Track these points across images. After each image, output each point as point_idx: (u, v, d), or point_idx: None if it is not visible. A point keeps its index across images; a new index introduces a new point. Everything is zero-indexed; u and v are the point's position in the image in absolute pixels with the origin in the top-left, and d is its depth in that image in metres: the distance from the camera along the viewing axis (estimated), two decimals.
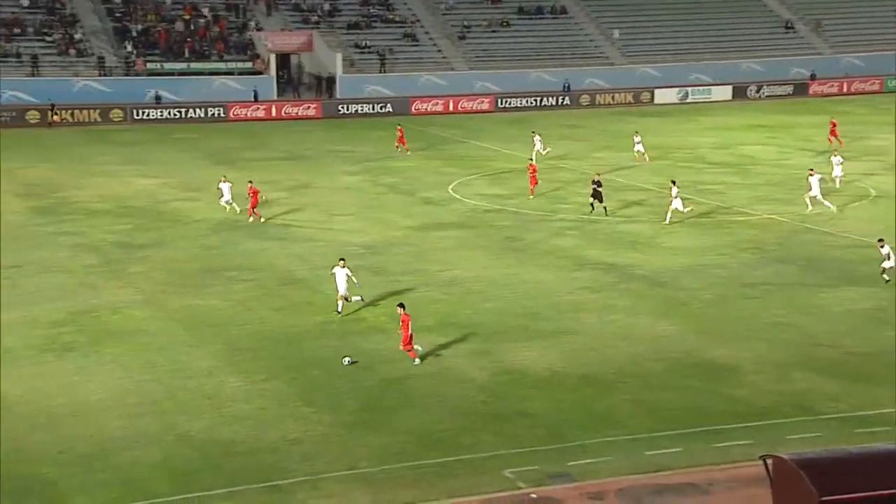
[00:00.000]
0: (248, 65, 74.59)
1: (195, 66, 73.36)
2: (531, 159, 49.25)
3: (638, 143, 52.91)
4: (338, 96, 74.84)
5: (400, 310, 25.04)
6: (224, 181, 41.43)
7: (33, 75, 69.68)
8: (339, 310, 28.49)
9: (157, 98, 70.03)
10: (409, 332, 24.65)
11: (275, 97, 73.52)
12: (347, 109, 73.06)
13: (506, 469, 19.56)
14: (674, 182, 40.27)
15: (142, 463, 19.78)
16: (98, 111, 67.42)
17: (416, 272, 33.29)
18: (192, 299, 30.26)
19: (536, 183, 44.42)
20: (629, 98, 78.17)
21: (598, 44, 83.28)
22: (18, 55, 70.19)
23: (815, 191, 40.58)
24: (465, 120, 70.68)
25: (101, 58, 71.43)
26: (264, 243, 37.11)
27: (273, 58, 75.21)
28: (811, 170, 42.47)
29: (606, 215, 40.04)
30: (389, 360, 25.31)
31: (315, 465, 19.82)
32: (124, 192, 45.84)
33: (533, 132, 54.83)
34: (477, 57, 79.94)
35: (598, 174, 41.73)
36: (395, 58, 77.94)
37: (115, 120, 67.69)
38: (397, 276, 32.77)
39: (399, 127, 57.01)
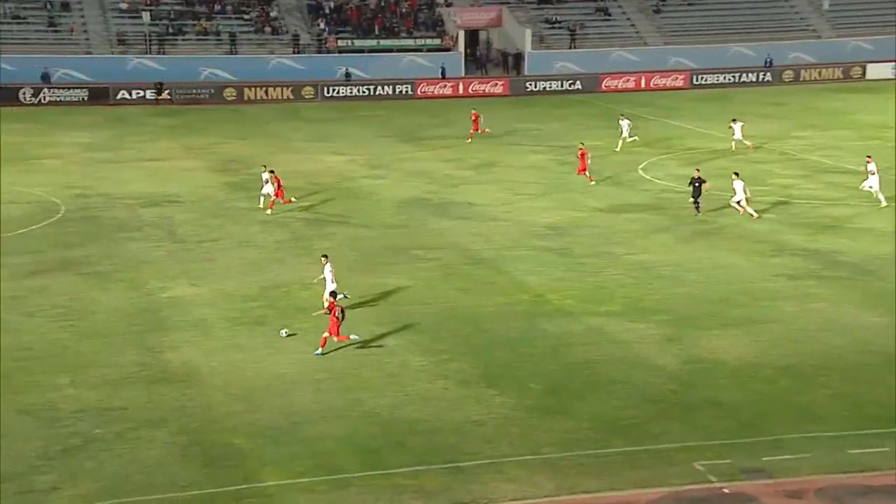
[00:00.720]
0: (437, 41, 75.40)
1: (384, 42, 74.76)
2: (619, 142, 47.88)
3: (737, 129, 48.78)
4: (525, 73, 74.67)
5: (331, 298, 25.14)
6: (266, 170, 39.20)
7: (231, 53, 72.72)
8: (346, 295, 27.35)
9: (347, 75, 71.79)
10: (337, 320, 24.08)
11: (462, 74, 74.07)
12: (535, 87, 72.82)
13: (696, 461, 19.08)
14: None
15: (328, 437, 20.36)
16: (290, 88, 69.71)
17: (603, 255, 32.88)
18: (378, 277, 30.88)
19: (585, 169, 42.79)
20: (838, 73, 74.65)
21: (805, 15, 79.76)
22: (218, 33, 73.39)
23: None
24: (657, 97, 69.23)
25: (295, 35, 73.80)
26: (449, 222, 37.48)
27: (461, 34, 75.73)
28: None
29: (697, 213, 36.87)
30: (575, 343, 25.11)
31: (498, 448, 19.89)
32: (314, 169, 47.24)
33: (621, 115, 52.73)
34: (672, 31, 78.04)
35: (699, 170, 38.38)
36: (585, 33, 77.04)
37: (307, 97, 69.84)
38: (583, 259, 32.46)
39: (474, 112, 54.06)
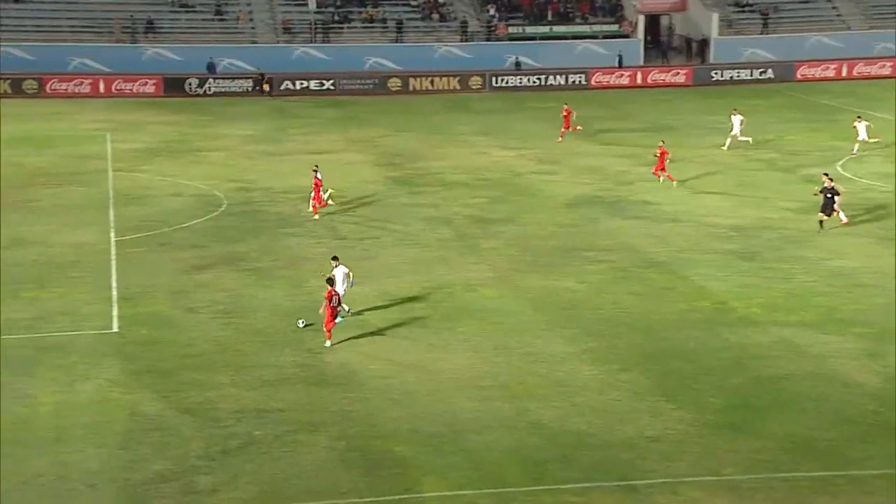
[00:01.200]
0: (614, 27, 74.74)
1: (558, 29, 74.59)
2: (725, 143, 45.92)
3: (862, 128, 45.97)
4: (711, 61, 73.17)
5: (328, 285, 25.91)
6: (316, 170, 38.43)
7: (396, 41, 74.04)
8: (347, 310, 27.33)
9: (517, 64, 71.97)
10: (332, 309, 25.21)
11: (641, 63, 73.19)
12: (722, 76, 71.28)
13: None
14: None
15: (493, 448, 20.51)
16: (457, 78, 70.42)
17: (795, 259, 31.91)
18: (546, 279, 30.87)
19: (662, 168, 41.34)
20: None
21: None
22: (384, 21, 74.85)
23: None
24: (860, 87, 66.62)
25: (463, 22, 74.51)
26: (623, 222, 37.11)
27: (641, 19, 74.81)
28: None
29: (821, 228, 34.55)
30: (761, 355, 24.48)
31: (675, 466, 19.59)
32: (481, 164, 47.58)
33: (734, 110, 50.32)
34: (878, 13, 74.87)
35: (827, 175, 35.96)
36: (779, 17, 74.87)
37: (474, 87, 70.38)
38: (772, 263, 31.59)
39: (566, 107, 52.55)
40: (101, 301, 28.61)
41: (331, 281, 26.65)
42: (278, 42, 73.12)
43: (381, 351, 25.56)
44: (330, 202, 37.25)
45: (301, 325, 26.85)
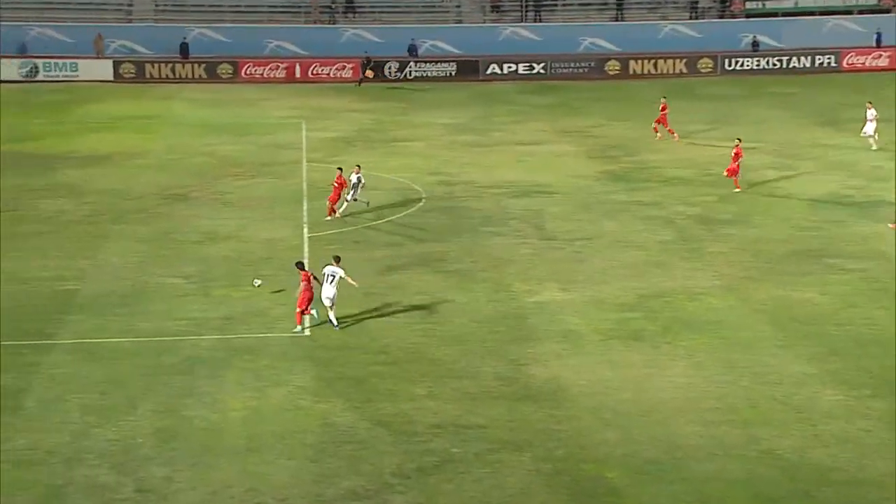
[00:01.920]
0: (872, 1, 71.86)
1: (804, 4, 72.37)
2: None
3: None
4: None
5: (300, 269, 27.48)
6: (357, 171, 38.08)
7: (616, 19, 73.46)
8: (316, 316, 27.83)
9: (755, 44, 70.27)
10: (310, 294, 26.87)
11: None
12: None
13: None
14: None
15: (718, 479, 20.04)
16: (684, 61, 69.33)
17: None
18: (782, 289, 29.99)
19: (734, 171, 39.61)
20: None
21: None
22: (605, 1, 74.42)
23: None
24: None
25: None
26: (876, 225, 35.73)
27: None
28: None
29: None
30: None
31: None
32: (707, 158, 46.66)
33: (869, 102, 46.63)
34: None
35: None
36: None
37: (703, 70, 69.16)
38: None
39: (664, 101, 50.24)
40: (292, 301, 29.47)
41: (301, 265, 28.13)
42: (485, 21, 73.81)
43: (591, 365, 25.38)
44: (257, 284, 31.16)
45: (256, 285, 29.38)
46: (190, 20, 71.55)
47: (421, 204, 39.89)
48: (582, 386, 24.23)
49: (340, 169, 38.18)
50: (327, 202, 37.76)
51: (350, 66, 68.90)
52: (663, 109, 50.44)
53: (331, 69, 68.92)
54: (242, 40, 70.39)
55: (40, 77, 66.70)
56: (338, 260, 28.29)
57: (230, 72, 68.42)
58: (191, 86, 66.19)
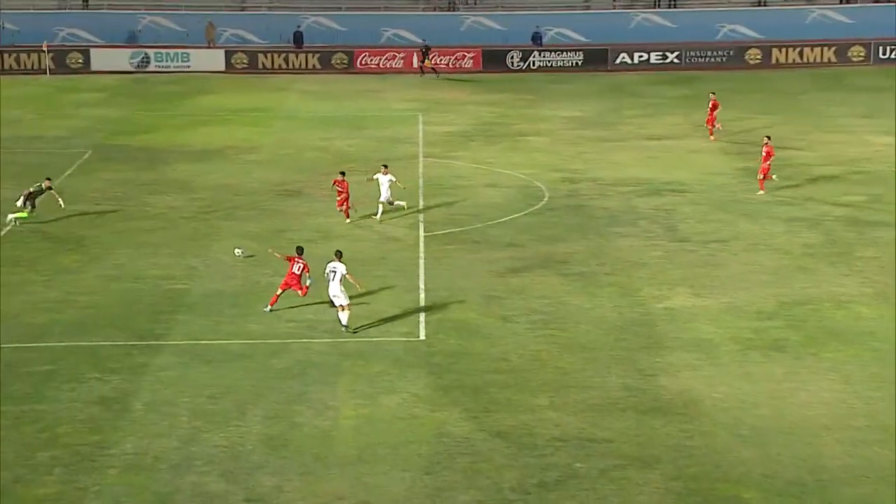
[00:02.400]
0: None
1: None
2: None
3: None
4: None
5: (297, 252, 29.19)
6: (385, 172, 37.66)
7: (758, 5, 72.33)
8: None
9: None
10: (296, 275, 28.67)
11: None
12: None
13: None
14: None
15: None
16: (833, 49, 67.96)
17: None
18: None
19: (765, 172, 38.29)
20: None
21: None
22: None
23: None
24: None
25: None
26: None
27: None
28: None
29: None
30: None
31: None
32: (859, 154, 45.73)
33: None
34: None
35: None
36: None
37: (854, 59, 67.73)
38: None
39: (713, 98, 48.68)
40: (407, 304, 29.76)
41: (300, 249, 29.47)
42: (615, 7, 73.39)
43: (727, 377, 25.08)
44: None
45: (238, 254, 32.21)
46: (304, 7, 72.54)
47: (544, 202, 39.84)
48: (716, 399, 23.96)
49: (343, 173, 37.48)
50: (340, 208, 37.34)
51: (471, 55, 69.10)
52: (714, 108, 49.43)
53: (450, 59, 69.17)
54: (358, 28, 71.13)
55: (151, 67, 68.26)
56: (339, 255, 28.64)
57: (345, 62, 69.13)
58: (304, 76, 67.09)
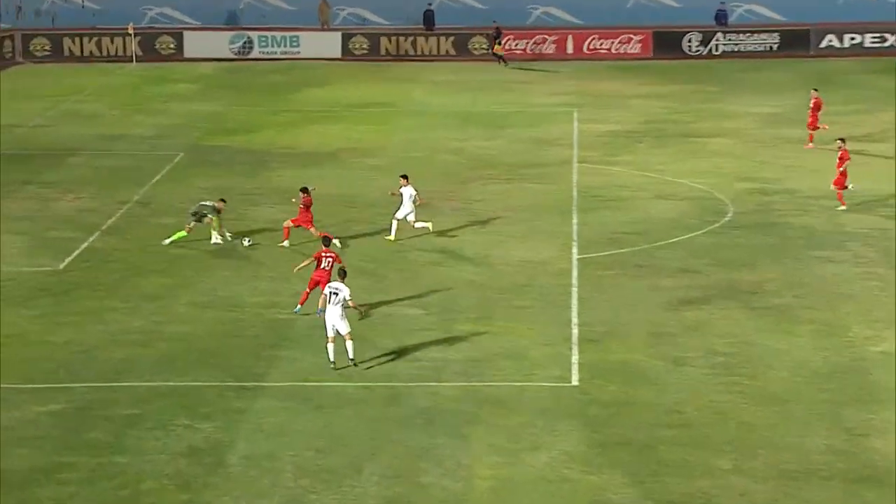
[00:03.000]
0: None
1: None
2: None
3: None
4: None
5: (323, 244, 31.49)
6: (405, 185, 37.61)
7: None
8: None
9: None
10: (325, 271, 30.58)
11: None
12: None
13: None
14: None
15: None
16: None
17: None
18: None
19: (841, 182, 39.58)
20: None
21: None
22: None
23: None
24: None
25: None
26: None
27: None
28: None
29: None
30: None
31: None
32: None
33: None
34: None
35: None
36: None
37: None
38: None
39: (815, 95, 47.72)
40: (556, 342, 29.67)
41: (326, 240, 31.84)
42: None
43: None
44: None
45: (245, 244, 35.43)
46: None
47: (727, 218, 39.50)
48: None
49: (305, 190, 37.28)
50: (288, 226, 37.24)
51: (638, 38, 68.87)
52: (816, 108, 48.79)
53: (612, 42, 69.09)
54: (501, 6, 71.44)
55: (254, 54, 69.47)
56: (344, 275, 28.89)
57: (485, 46, 69.46)
58: (435, 64, 67.73)
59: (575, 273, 34.68)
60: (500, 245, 37.23)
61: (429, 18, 70.74)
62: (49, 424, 25.62)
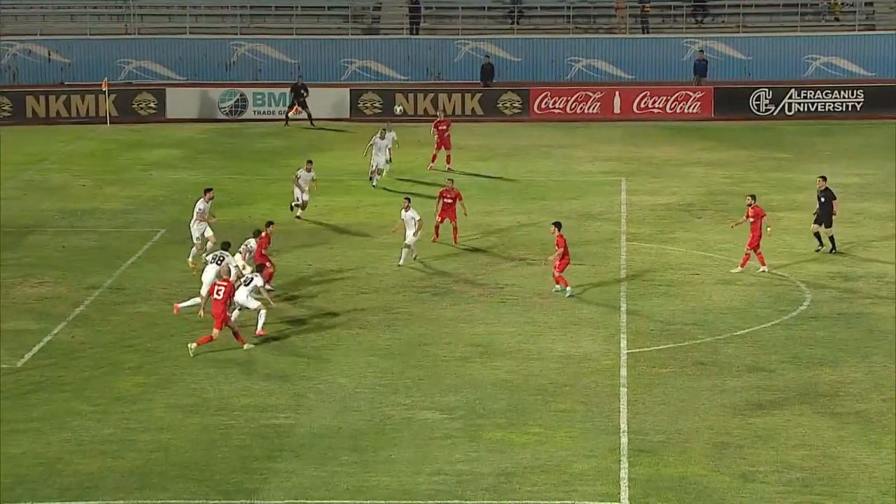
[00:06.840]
0: None
1: None
2: None
3: None
4: None
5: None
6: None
7: None
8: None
9: None
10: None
11: None
12: None
13: None
14: None
15: None
16: None
17: None
18: None
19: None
20: None
21: None
22: None
23: None
24: None
25: None
26: None
27: None
28: None
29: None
30: None
31: None
32: None
33: None
34: None
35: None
36: None
37: None
38: None
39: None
40: (602, 453, 29.49)
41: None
42: None
43: None
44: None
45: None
46: (461, 30, 73.25)
47: (804, 307, 39.47)
48: None
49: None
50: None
51: (698, 95, 68.92)
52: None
53: (668, 100, 69.15)
54: (536, 58, 71.60)
55: (248, 114, 69.61)
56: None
57: (518, 105, 69.63)
58: (457, 125, 67.73)
59: (624, 371, 34.58)
60: (536, 337, 37.15)
61: (487, 72, 70.30)
62: None
